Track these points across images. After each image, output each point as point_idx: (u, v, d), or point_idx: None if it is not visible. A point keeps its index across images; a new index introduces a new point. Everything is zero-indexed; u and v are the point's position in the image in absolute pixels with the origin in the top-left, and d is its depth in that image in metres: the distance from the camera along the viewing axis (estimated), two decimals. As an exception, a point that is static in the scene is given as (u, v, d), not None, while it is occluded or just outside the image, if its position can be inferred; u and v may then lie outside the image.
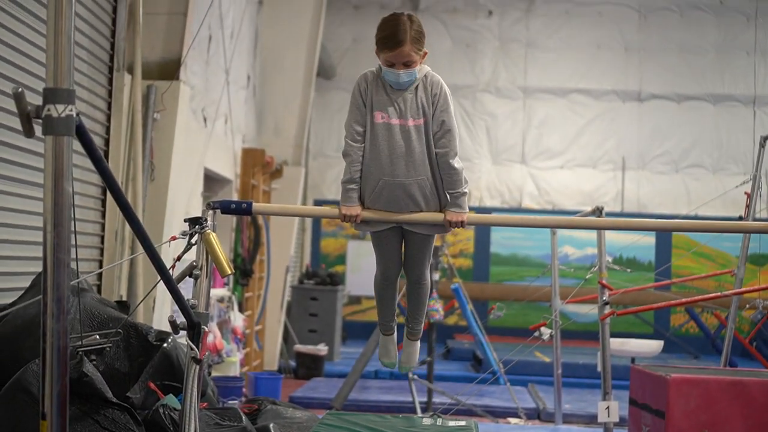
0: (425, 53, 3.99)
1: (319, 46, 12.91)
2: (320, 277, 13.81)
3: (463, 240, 17.08)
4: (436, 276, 9.85)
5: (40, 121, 2.54)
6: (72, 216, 2.59)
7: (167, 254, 6.71)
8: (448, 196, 4.12)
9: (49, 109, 2.53)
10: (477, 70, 16.83)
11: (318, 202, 16.25)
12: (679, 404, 6.74)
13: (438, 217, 4.13)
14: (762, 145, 8.46)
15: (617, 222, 5.46)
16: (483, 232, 17.11)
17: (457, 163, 4.06)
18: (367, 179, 4.10)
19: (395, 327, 4.66)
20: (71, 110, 2.55)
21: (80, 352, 4.05)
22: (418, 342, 4.66)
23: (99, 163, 2.88)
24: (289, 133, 12.74)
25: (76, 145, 2.78)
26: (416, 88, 4.01)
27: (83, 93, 6.56)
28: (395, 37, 3.89)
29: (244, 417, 5.18)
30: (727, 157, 16.45)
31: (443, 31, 16.72)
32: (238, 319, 10.20)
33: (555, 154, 16.82)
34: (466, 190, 4.11)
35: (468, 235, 17.11)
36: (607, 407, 6.47)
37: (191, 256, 3.90)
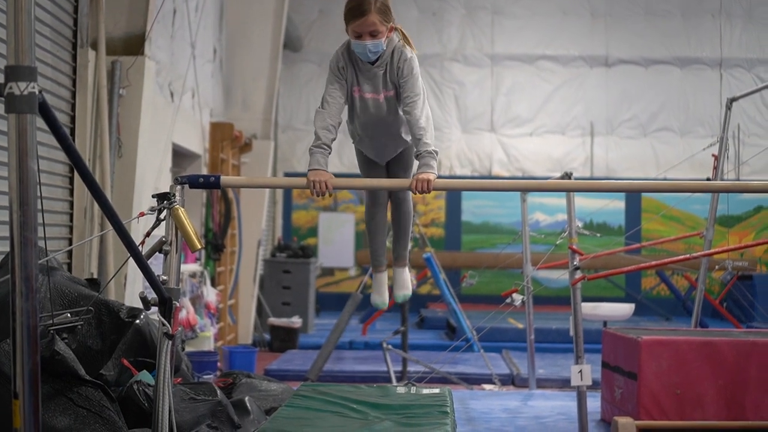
0: (392, 27, 4.17)
1: (286, 18, 12.83)
2: (292, 250, 13.81)
3: (434, 209, 17.11)
4: (408, 245, 9.87)
5: (2, 99, 2.52)
6: (38, 194, 2.58)
7: (137, 231, 6.68)
8: (417, 159, 4.19)
9: (11, 87, 2.51)
10: (444, 38, 16.80)
11: (288, 175, 16.21)
12: (651, 366, 6.81)
13: (404, 183, 4.18)
14: (728, 107, 8.52)
15: (585, 184, 5.49)
16: (454, 200, 17.15)
17: (423, 122, 4.14)
18: (353, 134, 4.48)
19: (386, 263, 4.85)
20: (33, 87, 2.53)
21: (51, 331, 4.03)
22: (407, 269, 4.83)
23: (64, 140, 2.87)
24: (257, 107, 12.67)
25: (42, 123, 2.77)
26: (386, 63, 4.19)
27: (47, 70, 6.50)
28: (360, 7, 4.05)
29: (218, 391, 5.19)
30: (694, 120, 16.55)
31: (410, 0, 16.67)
32: (210, 294, 10.19)
33: (524, 122, 16.85)
34: (433, 149, 4.11)
35: (439, 204, 17.14)
36: (580, 371, 6.52)
37: (161, 232, 3.88)
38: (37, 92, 2.54)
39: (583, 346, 6.71)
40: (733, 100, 8.57)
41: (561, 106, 16.82)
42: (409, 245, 4.88)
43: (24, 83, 2.51)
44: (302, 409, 4.66)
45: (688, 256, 7.57)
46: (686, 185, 5.40)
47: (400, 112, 4.29)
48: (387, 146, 4.48)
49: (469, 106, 16.86)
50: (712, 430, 6.67)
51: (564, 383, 9.22)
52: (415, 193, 4.17)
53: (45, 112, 2.65)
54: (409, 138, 4.39)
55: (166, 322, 3.72)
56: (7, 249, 5.38)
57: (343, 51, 4.21)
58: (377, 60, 4.21)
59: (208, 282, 10.30)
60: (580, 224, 7.11)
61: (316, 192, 4.05)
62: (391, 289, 4.84)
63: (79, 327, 4.62)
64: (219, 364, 9.04)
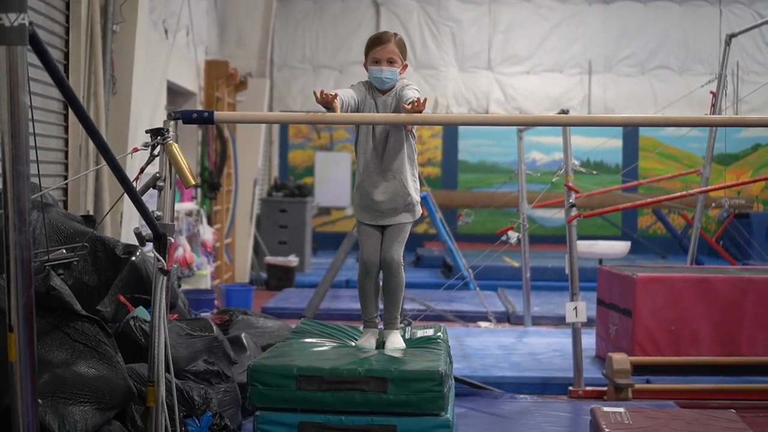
0: (406, 65, 4.68)
1: (280, -47, 12.69)
2: (289, 189, 13.81)
3: (431, 148, 17.08)
4: (399, 310, 9.85)
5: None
6: (32, 130, 2.56)
7: (132, 168, 6.66)
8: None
9: (0, 19, 2.48)
10: (441, -25, 16.63)
11: (283, 113, 16.13)
12: (646, 302, 6.84)
13: (401, 115, 4.32)
14: (727, 44, 8.47)
15: (581, 118, 5.47)
16: (451, 139, 17.11)
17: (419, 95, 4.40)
18: (358, 166, 4.72)
19: (377, 322, 4.86)
20: (24, 19, 2.49)
21: (47, 266, 4.03)
22: (398, 331, 4.81)
23: (55, 73, 2.83)
24: (252, 44, 12.58)
25: (36, 60, 2.74)
26: (394, 95, 4.59)
27: (39, 5, 6.42)
28: (383, 37, 4.64)
29: (215, 327, 5.20)
30: (693, 57, 16.45)
31: (406, -64, 16.49)
32: (207, 233, 10.20)
33: (521, 60, 16.74)
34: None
35: (436, 143, 17.11)
36: (575, 308, 6.56)
37: (156, 168, 3.86)
38: (27, 24, 2.51)
39: (579, 284, 6.74)
40: (732, 36, 8.51)
41: (559, 44, 16.70)
42: (399, 311, 4.83)
43: (14, 14, 2.48)
44: (300, 343, 4.69)
45: (684, 193, 7.56)
46: (682, 119, 5.38)
47: (404, 148, 4.59)
48: (387, 188, 4.62)
49: (466, 44, 16.72)
50: (707, 366, 6.72)
51: (559, 321, 9.26)
52: (412, 124, 4.25)
53: (35, 44, 2.62)
54: (410, 188, 4.63)
55: (161, 258, 3.72)
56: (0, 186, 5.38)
57: (364, 83, 4.67)
58: (389, 90, 4.60)
59: (205, 220, 10.31)
60: (576, 162, 7.09)
61: (321, 99, 4.15)
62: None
63: (75, 263, 4.61)
64: (216, 302, 9.08)
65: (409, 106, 4.18)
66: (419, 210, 4.77)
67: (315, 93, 4.18)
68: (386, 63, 4.57)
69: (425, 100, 4.22)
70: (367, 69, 4.66)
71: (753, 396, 6.46)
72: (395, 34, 4.69)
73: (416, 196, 4.70)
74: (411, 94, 4.41)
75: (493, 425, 5.77)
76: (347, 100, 4.40)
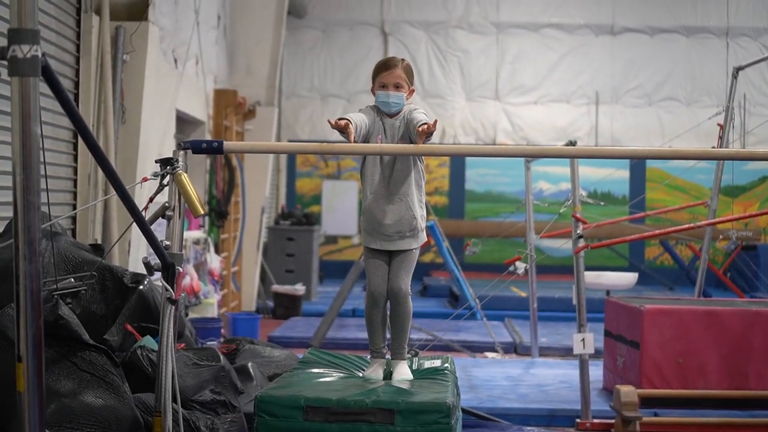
0: (413, 90, 4.72)
1: (290, -16, 12.75)
2: (296, 218, 13.82)
3: (438, 177, 17.09)
4: (407, 340, 9.85)
5: (6, 63, 2.51)
6: (42, 159, 2.57)
7: (141, 197, 6.68)
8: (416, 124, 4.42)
9: (14, 50, 2.50)
10: (449, 5, 16.69)
11: (292, 142, 16.17)
12: (653, 334, 6.81)
13: (411, 146, 4.41)
14: (735, 77, 8.48)
15: (588, 150, 5.47)
16: (458, 169, 17.12)
17: (425, 117, 4.48)
18: (364, 190, 4.69)
19: (385, 353, 4.86)
20: (36, 50, 2.51)
21: (55, 296, 4.03)
22: (406, 362, 4.79)
23: (66, 103, 2.85)
24: (261, 74, 12.63)
25: (46, 88, 2.75)
26: (402, 119, 4.61)
27: (51, 35, 6.47)
28: (390, 62, 4.70)
29: (222, 357, 5.19)
30: (700, 89, 16.48)
31: (415, -33, 16.57)
32: (214, 261, 10.20)
33: (528, 90, 16.78)
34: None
35: (443, 172, 17.12)
36: (583, 339, 6.53)
37: (165, 198, 3.87)
38: (40, 55, 2.52)
39: (586, 315, 6.72)
40: (739, 69, 8.52)
41: (566, 75, 16.75)
42: (407, 341, 4.83)
43: (27, 46, 2.50)
44: (307, 373, 4.68)
45: (692, 225, 7.55)
46: (689, 152, 5.37)
47: (412, 172, 4.61)
48: (394, 211, 4.62)
49: (473, 75, 16.78)
50: (715, 399, 6.69)
51: (566, 352, 9.24)
52: (424, 139, 4.29)
53: (48, 75, 2.64)
54: (416, 212, 4.63)
55: (169, 288, 3.72)
56: (6, 215, 5.39)
57: (373, 106, 4.69)
58: (396, 114, 4.62)
59: (212, 249, 10.31)
60: (584, 193, 7.09)
61: (336, 126, 4.21)
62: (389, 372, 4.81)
63: (83, 292, 4.61)
64: (222, 330, 9.06)
65: (421, 129, 4.22)
66: (424, 236, 4.76)
67: (329, 121, 4.22)
68: (393, 88, 4.60)
69: (435, 121, 4.27)
70: (374, 93, 4.70)
71: (760, 431, 6.42)
72: (402, 60, 4.73)
73: (422, 222, 4.70)
74: (421, 117, 4.44)
75: (500, 457, 5.75)
76: (360, 125, 4.42)
